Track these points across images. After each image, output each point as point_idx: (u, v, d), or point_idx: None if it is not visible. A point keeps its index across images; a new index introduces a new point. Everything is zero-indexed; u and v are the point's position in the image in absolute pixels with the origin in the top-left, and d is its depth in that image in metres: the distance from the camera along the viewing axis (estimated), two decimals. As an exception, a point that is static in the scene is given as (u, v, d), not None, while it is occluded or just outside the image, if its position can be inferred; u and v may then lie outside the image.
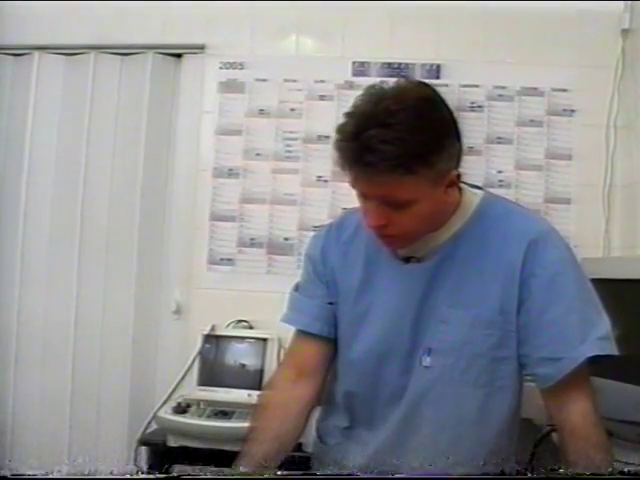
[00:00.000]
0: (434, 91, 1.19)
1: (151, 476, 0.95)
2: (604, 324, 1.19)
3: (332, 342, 1.38)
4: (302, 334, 1.39)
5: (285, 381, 1.38)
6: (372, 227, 1.21)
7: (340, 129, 1.15)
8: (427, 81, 1.18)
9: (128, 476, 0.96)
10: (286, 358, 1.49)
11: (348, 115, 1.15)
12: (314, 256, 1.41)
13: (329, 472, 1.35)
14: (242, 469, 1.25)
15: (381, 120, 1.09)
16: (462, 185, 1.30)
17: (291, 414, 1.34)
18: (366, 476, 1.29)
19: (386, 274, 1.31)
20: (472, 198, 1.30)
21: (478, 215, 1.28)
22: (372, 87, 1.18)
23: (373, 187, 1.15)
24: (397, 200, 1.15)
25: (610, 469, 1.14)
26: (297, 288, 1.44)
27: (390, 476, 1.26)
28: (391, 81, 1.19)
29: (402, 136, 1.08)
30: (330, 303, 1.37)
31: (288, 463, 1.33)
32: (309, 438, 1.50)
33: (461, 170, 1.22)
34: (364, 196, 1.19)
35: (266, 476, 1.15)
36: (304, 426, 1.36)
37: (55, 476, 0.99)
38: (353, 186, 1.19)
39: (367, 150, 1.08)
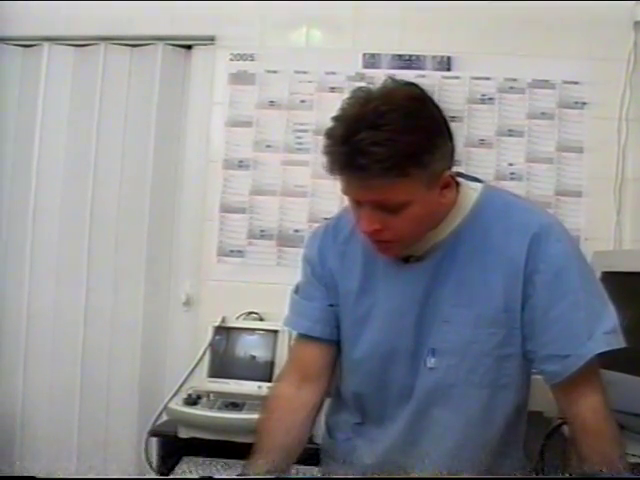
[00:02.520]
0: (422, 91, 1.17)
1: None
2: (611, 317, 1.18)
3: (335, 344, 1.37)
4: (304, 338, 1.38)
5: (289, 387, 1.36)
6: (366, 233, 1.19)
7: (329, 133, 1.13)
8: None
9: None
10: (289, 363, 1.47)
11: (336, 119, 1.13)
12: (312, 258, 1.39)
13: (338, 470, 1.36)
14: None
15: (371, 122, 1.07)
16: (460, 179, 1.28)
17: (297, 421, 1.32)
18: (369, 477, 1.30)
19: (385, 274, 1.30)
20: (470, 193, 1.28)
21: (478, 210, 1.26)
22: (359, 89, 1.16)
23: (366, 191, 1.13)
24: (391, 203, 1.13)
25: (622, 464, 1.14)
26: (297, 290, 1.42)
27: (390, 476, 1.27)
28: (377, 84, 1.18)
29: (393, 137, 1.06)
30: (331, 305, 1.36)
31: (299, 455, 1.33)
32: (320, 430, 1.50)
33: (464, 167, 1.21)
34: (357, 202, 1.18)
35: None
36: (310, 431, 1.36)
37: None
38: (345, 192, 1.17)
39: (358, 153, 1.06)
